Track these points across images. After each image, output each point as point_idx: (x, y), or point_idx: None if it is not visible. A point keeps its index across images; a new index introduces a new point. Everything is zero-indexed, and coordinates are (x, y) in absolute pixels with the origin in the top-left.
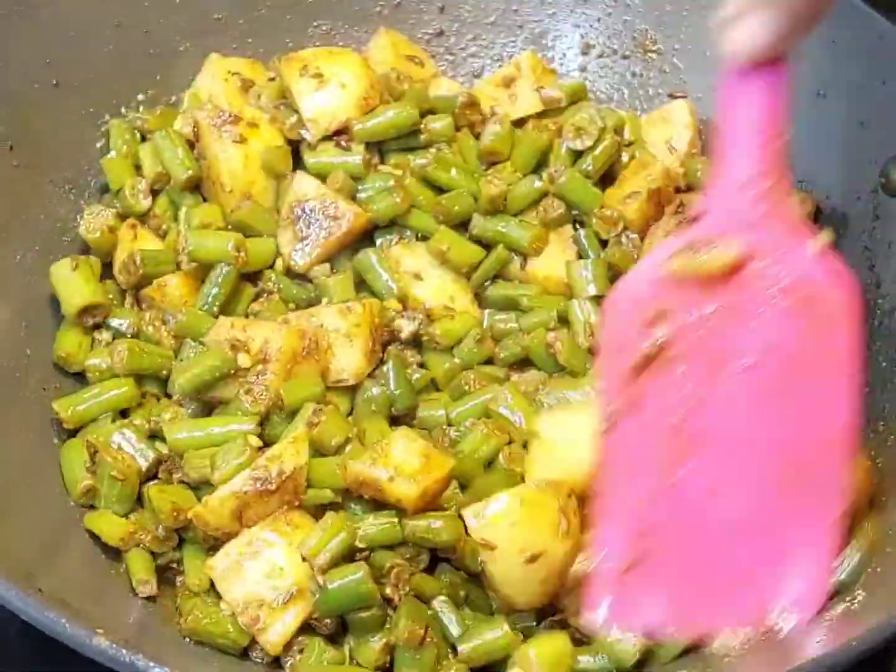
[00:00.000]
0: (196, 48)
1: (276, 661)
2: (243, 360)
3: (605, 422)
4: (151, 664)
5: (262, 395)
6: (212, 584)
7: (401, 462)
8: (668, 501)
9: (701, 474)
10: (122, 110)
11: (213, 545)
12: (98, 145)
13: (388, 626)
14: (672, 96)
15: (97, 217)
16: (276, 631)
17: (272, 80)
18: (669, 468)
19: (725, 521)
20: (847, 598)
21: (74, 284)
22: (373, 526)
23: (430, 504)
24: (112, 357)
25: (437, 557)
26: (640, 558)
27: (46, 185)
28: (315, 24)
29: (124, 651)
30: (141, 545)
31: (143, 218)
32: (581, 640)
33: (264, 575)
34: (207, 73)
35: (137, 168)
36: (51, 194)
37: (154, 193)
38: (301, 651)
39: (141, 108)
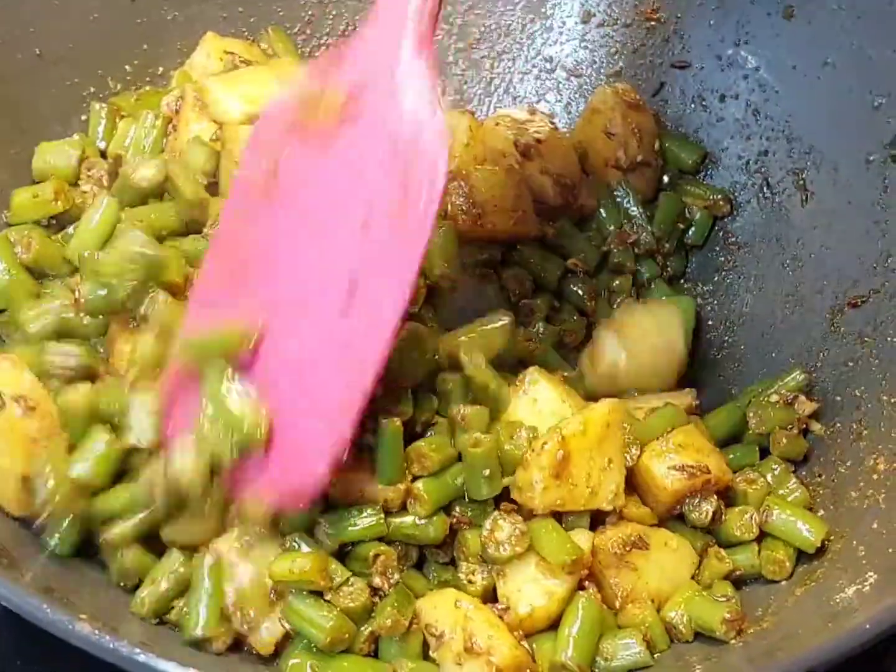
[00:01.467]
0: (184, 17)
1: None
2: None
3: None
4: (136, 650)
5: None
6: None
7: None
8: None
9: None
10: (108, 81)
11: None
12: (83, 117)
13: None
14: (674, 66)
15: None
16: (268, 630)
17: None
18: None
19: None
20: (858, 581)
21: None
22: (355, 525)
23: None
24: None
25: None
26: None
27: (28, 159)
28: None
29: (107, 637)
30: None
31: None
32: None
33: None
34: (203, 51)
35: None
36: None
37: None
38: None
39: (127, 79)
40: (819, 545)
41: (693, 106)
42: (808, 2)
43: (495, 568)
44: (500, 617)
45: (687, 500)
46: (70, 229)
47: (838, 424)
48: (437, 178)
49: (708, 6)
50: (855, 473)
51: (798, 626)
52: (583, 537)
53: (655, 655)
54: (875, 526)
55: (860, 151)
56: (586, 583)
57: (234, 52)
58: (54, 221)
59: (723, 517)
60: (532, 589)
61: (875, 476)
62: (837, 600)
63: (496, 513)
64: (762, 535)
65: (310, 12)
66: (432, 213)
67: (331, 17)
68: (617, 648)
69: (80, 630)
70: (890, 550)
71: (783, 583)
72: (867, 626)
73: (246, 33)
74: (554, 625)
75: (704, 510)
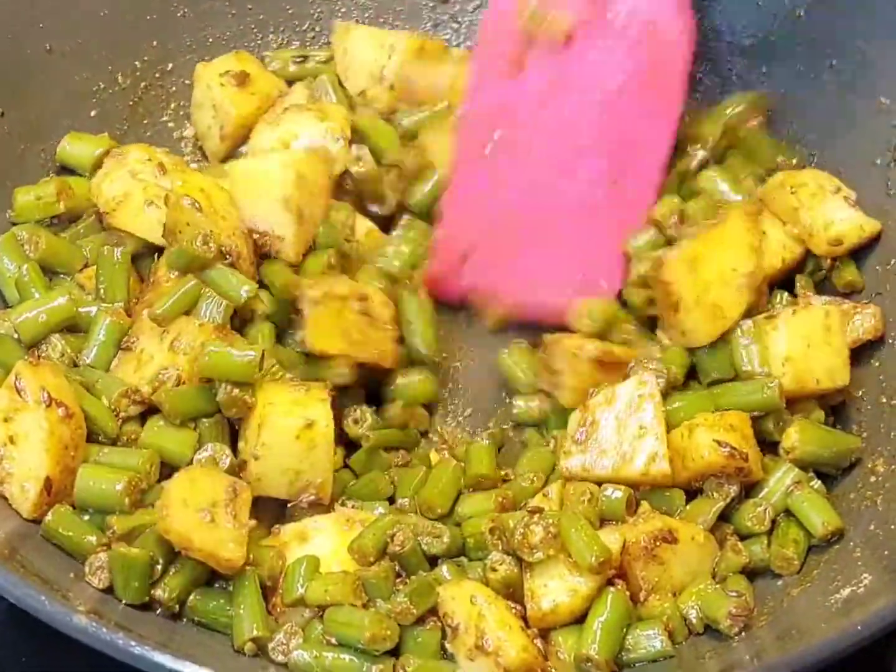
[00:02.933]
0: (194, 14)
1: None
2: None
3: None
4: (132, 643)
5: None
6: None
7: None
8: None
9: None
10: (118, 76)
11: None
12: (92, 113)
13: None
14: None
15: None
16: None
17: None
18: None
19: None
20: (853, 583)
21: None
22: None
23: None
24: None
25: None
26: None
27: (38, 153)
28: None
29: (104, 630)
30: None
31: None
32: None
33: None
34: (200, 87)
35: None
36: (43, 162)
37: None
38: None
39: (137, 75)
40: (828, 536)
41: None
42: (814, 4)
43: (524, 562)
44: (521, 616)
45: (713, 478)
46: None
47: (839, 426)
48: (682, 45)
49: (715, 7)
50: (854, 475)
51: (792, 626)
52: (613, 536)
53: (675, 646)
54: (872, 527)
55: (865, 154)
56: (615, 580)
57: (228, 70)
58: (56, 221)
59: (737, 505)
60: (558, 585)
61: (873, 478)
62: (832, 601)
63: (526, 517)
64: (772, 530)
65: (320, 10)
66: (682, 79)
67: (340, 14)
68: (640, 639)
69: (77, 622)
70: (885, 552)
71: (780, 582)
72: (859, 628)
73: (255, 29)
74: (577, 619)
75: (725, 491)
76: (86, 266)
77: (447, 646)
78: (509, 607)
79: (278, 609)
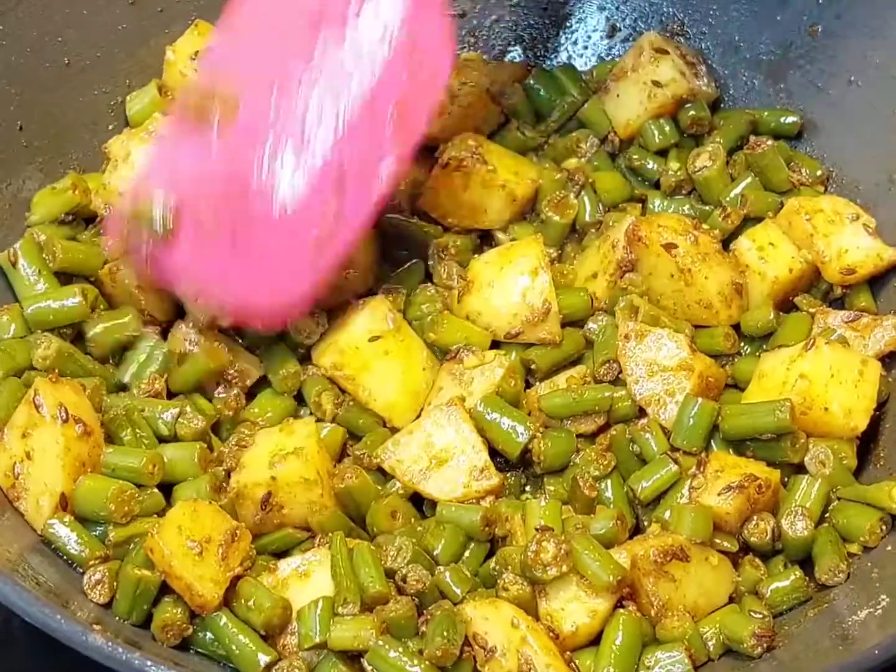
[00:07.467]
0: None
1: None
2: None
3: None
4: (148, 662)
5: None
6: None
7: None
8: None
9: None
10: (136, 90)
11: None
12: (110, 127)
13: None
14: None
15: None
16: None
17: None
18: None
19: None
20: (871, 604)
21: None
22: None
23: None
24: None
25: None
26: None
27: (56, 167)
28: None
29: (120, 649)
30: None
31: None
32: None
33: None
34: (172, 74)
35: None
36: (61, 175)
37: None
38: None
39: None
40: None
41: None
42: (832, 20)
43: (536, 586)
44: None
45: (745, 524)
46: None
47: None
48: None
49: (733, 22)
50: None
51: (809, 648)
52: (621, 555)
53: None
54: (889, 548)
55: (883, 171)
56: (625, 601)
57: (197, 52)
58: (71, 218)
59: (780, 534)
60: (576, 608)
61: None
62: (850, 623)
63: (537, 535)
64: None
65: None
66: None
67: None
68: (661, 661)
69: (93, 641)
70: None
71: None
72: (876, 652)
73: None
74: (594, 640)
75: (762, 529)
76: (105, 264)
77: (480, 670)
78: (547, 632)
79: (288, 651)
